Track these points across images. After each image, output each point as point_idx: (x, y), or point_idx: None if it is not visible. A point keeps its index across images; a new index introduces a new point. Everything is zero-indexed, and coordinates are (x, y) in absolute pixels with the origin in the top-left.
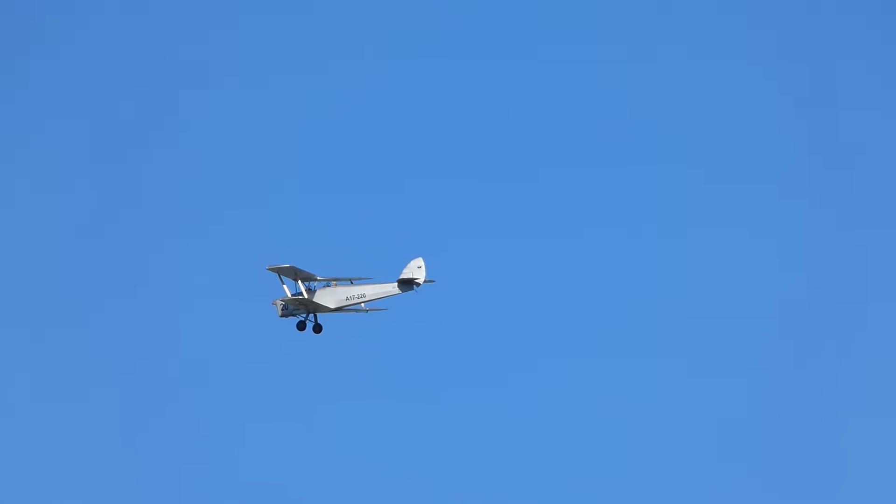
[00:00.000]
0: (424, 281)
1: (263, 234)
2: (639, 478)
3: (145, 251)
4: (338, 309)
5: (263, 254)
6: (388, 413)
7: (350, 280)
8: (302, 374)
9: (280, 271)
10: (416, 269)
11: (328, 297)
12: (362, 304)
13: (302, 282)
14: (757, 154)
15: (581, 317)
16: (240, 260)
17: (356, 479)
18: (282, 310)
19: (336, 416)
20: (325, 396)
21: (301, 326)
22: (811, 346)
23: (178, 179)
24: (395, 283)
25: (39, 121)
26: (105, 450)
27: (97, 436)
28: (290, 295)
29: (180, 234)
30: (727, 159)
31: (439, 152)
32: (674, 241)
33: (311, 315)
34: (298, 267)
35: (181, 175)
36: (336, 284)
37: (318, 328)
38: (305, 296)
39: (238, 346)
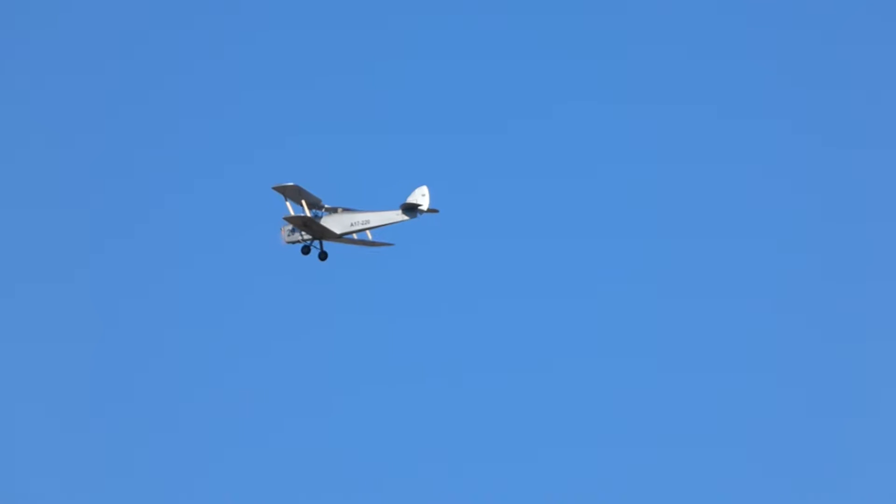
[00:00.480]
0: (428, 209)
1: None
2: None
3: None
4: (343, 235)
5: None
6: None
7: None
8: (303, 304)
9: (284, 191)
10: (419, 196)
11: (333, 223)
12: (368, 234)
13: (308, 206)
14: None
15: (591, 256)
16: (244, 189)
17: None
18: (286, 234)
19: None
20: (323, 332)
21: (306, 251)
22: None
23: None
24: (399, 210)
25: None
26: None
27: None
28: (292, 212)
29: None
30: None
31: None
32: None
33: (317, 241)
34: (303, 188)
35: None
36: (342, 211)
37: (323, 255)
38: (308, 214)
39: (242, 272)
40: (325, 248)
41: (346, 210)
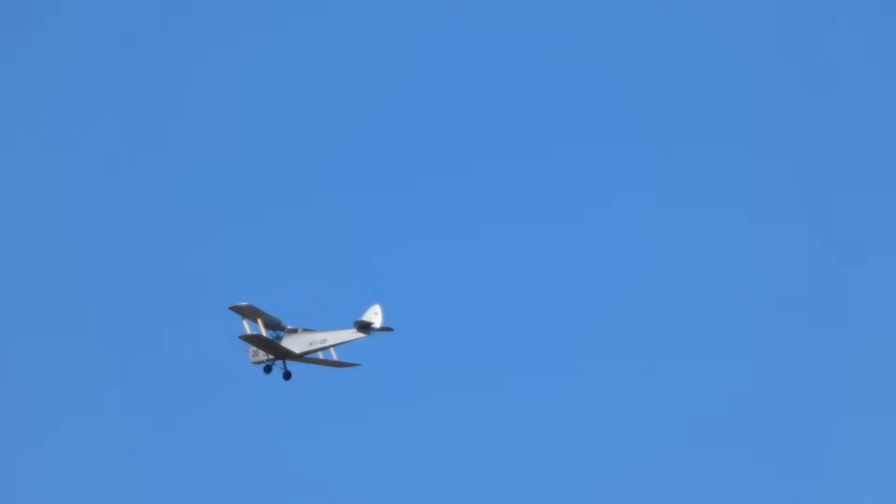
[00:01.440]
0: (381, 328)
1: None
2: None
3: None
4: (304, 354)
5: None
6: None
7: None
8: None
9: (240, 311)
10: (372, 315)
11: (293, 342)
12: (333, 353)
13: (266, 326)
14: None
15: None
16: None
17: None
18: (252, 354)
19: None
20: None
21: (267, 370)
22: None
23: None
24: (353, 328)
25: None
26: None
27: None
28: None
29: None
30: None
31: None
32: None
33: (280, 361)
34: (259, 308)
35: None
36: (301, 331)
37: (287, 375)
38: (263, 334)
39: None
40: (289, 369)
41: (305, 330)
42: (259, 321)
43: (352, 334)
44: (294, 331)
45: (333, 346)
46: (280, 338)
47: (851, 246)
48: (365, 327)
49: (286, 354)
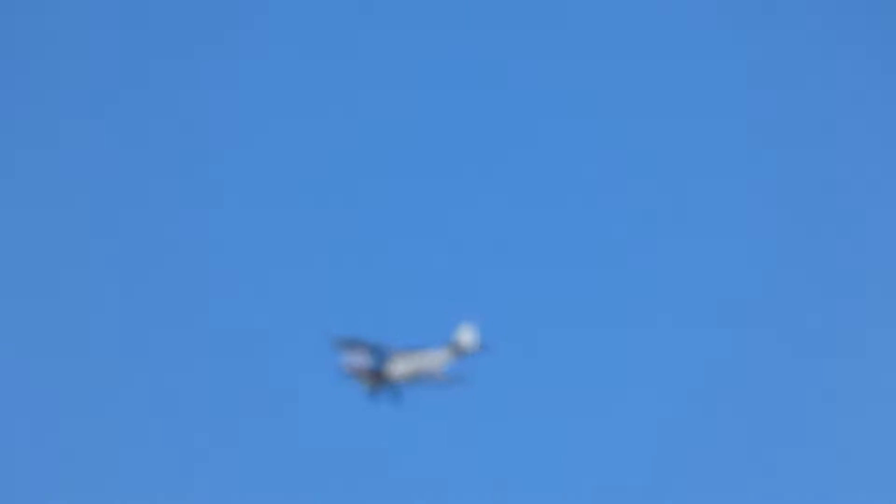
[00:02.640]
0: (476, 348)
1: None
2: None
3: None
4: (405, 379)
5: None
6: None
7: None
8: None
9: (345, 345)
10: (466, 336)
11: (396, 367)
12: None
13: (369, 353)
14: None
15: None
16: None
17: None
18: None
19: None
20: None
21: (373, 394)
22: None
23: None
24: (448, 351)
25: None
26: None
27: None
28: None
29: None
30: None
31: None
32: None
33: (387, 385)
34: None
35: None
36: (402, 354)
37: (397, 397)
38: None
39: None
40: (396, 390)
41: (404, 353)
42: (361, 351)
43: (449, 356)
44: (395, 354)
45: (432, 369)
46: (385, 360)
47: None
48: (460, 351)
49: (389, 379)
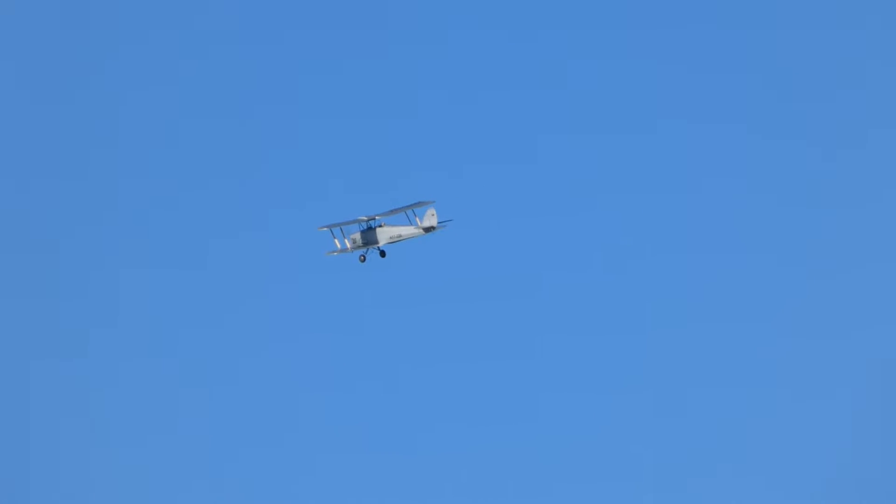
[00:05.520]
0: (441, 224)
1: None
2: None
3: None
4: (387, 242)
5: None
6: None
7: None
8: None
9: (350, 223)
10: (430, 217)
11: (381, 236)
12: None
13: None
14: None
15: None
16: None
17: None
18: (350, 243)
19: None
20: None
21: (363, 259)
22: None
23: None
24: (420, 229)
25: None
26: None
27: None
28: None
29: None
30: None
31: None
32: None
33: (370, 249)
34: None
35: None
36: (384, 225)
37: (383, 253)
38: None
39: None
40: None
41: (385, 226)
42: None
43: (418, 231)
44: (380, 226)
45: (406, 238)
46: (374, 228)
47: None
48: (430, 229)
49: (375, 244)
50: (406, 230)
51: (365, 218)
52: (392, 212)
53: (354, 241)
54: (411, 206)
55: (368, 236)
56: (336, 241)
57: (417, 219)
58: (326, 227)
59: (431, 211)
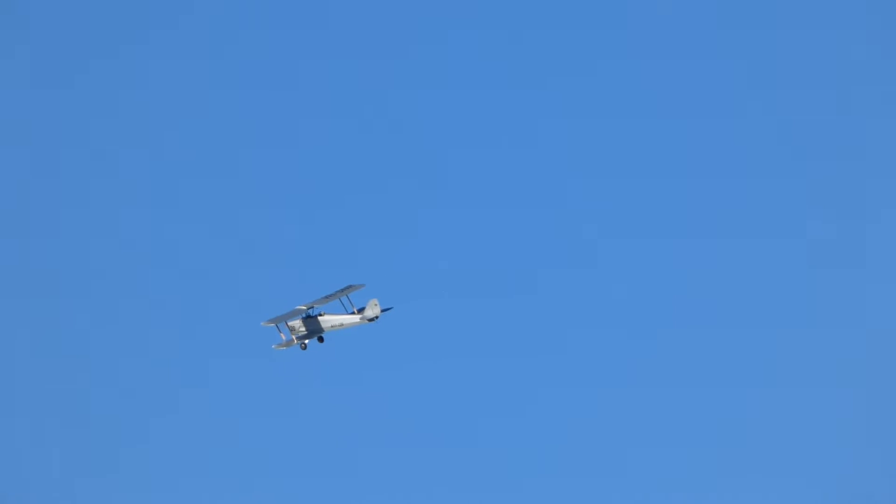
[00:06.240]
0: (383, 311)
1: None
2: None
3: None
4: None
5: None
6: None
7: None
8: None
9: (276, 321)
10: (373, 307)
11: (324, 324)
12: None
13: (296, 317)
14: None
15: None
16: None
17: None
18: (294, 334)
19: None
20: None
21: (304, 346)
22: None
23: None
24: (361, 318)
25: None
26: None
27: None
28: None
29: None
30: None
31: None
32: None
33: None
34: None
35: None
36: (324, 314)
37: (321, 339)
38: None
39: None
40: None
41: (325, 315)
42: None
43: (359, 320)
44: (321, 314)
45: (347, 326)
46: (314, 316)
47: None
48: (372, 319)
49: (318, 333)
50: (348, 319)
51: (304, 307)
52: (326, 298)
53: (294, 330)
54: (343, 290)
55: (310, 325)
56: (282, 334)
57: (354, 307)
58: (271, 321)
59: (374, 301)
